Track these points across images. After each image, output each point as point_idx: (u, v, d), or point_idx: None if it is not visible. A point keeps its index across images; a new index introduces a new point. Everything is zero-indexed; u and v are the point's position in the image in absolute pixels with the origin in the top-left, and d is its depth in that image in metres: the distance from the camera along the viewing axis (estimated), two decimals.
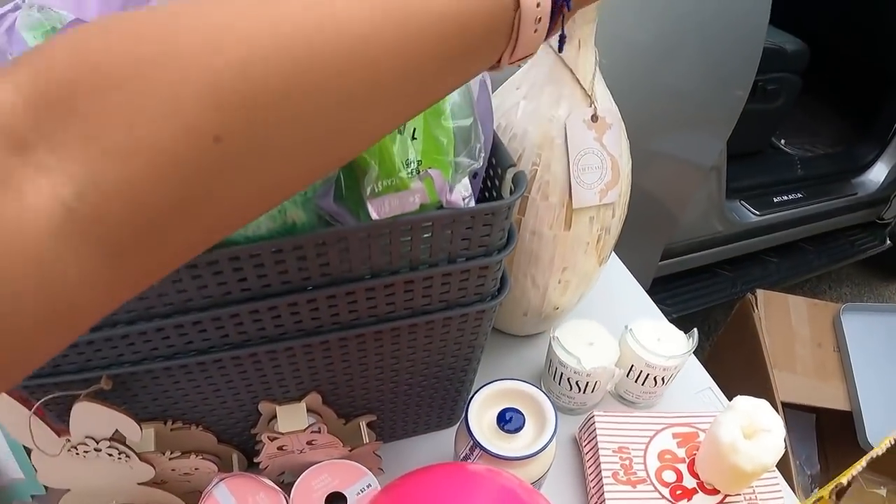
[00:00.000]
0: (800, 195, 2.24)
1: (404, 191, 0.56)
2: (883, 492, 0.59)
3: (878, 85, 2.46)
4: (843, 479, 0.64)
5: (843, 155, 2.48)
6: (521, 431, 0.73)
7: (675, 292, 2.12)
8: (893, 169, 2.41)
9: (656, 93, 1.53)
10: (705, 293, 2.19)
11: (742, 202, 2.12)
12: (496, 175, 0.68)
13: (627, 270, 1.17)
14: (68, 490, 0.72)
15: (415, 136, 0.58)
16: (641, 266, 1.15)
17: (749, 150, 2.25)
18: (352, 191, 0.59)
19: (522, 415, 0.73)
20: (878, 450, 0.48)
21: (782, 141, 2.51)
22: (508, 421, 0.72)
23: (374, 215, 0.55)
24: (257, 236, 0.55)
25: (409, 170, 0.57)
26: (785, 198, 2.21)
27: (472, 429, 0.72)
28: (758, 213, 2.11)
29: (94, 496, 0.72)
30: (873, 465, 0.60)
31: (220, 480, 0.74)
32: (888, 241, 2.58)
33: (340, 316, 0.63)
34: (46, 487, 0.77)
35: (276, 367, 0.67)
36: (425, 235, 0.59)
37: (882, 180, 2.41)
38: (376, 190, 0.55)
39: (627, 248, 1.21)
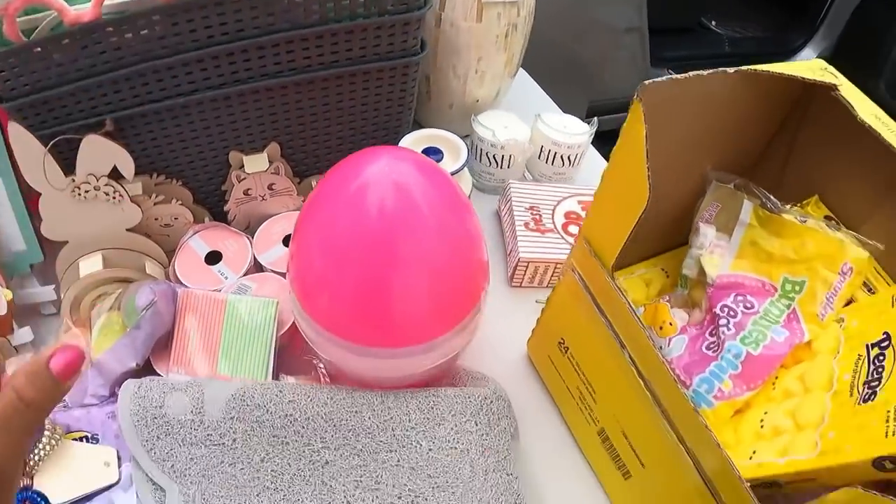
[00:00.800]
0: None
1: None
2: (730, 185, 0.86)
3: None
4: None
5: (771, 39, 2.80)
6: (441, 162, 1.03)
7: (604, 151, 2.42)
8: (821, 55, 2.73)
9: None
10: None
11: (668, 70, 2.42)
12: None
13: (540, 88, 1.47)
14: (65, 244, 0.97)
15: None
16: None
17: (678, 26, 2.54)
18: None
19: (442, 151, 1.03)
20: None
21: (713, 22, 2.81)
22: (430, 155, 1.02)
23: None
24: None
25: None
26: (711, 71, 2.51)
27: None
28: None
29: (88, 246, 0.96)
30: (723, 167, 0.87)
31: (195, 233, 1.02)
32: None
33: (296, 62, 0.93)
34: (45, 255, 1.01)
35: (244, 111, 0.97)
36: None
37: None
38: None
39: (553, 101, 1.50)
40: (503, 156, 1.17)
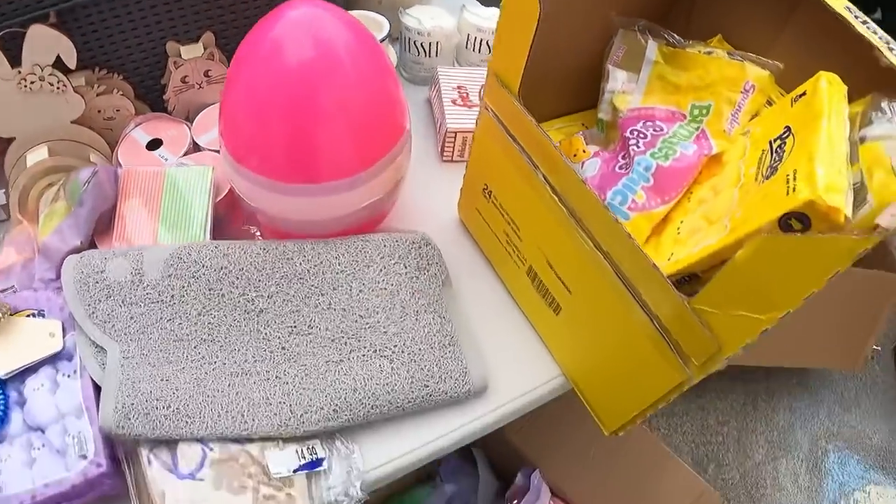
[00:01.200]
0: None
1: None
2: (635, 28, 0.82)
3: None
4: None
5: None
6: None
7: None
8: None
9: None
10: None
11: None
12: None
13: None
14: (13, 142, 0.90)
15: None
16: None
17: None
18: None
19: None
20: None
21: None
22: None
23: None
24: None
25: None
26: None
27: None
28: None
29: (34, 141, 0.90)
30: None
31: (137, 125, 0.95)
32: None
33: None
34: None
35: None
36: None
37: None
38: None
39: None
40: (430, 43, 1.11)
